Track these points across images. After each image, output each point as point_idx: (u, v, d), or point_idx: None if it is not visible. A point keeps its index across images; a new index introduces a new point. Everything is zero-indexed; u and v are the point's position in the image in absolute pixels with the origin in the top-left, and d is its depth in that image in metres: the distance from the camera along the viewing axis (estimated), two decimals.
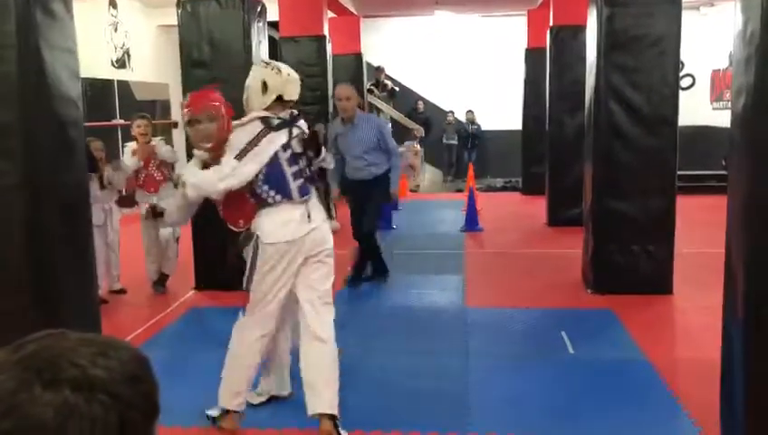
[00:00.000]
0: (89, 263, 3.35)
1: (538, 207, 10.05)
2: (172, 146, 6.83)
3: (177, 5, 6.22)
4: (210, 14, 6.14)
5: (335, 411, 3.43)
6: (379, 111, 14.07)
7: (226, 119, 3.51)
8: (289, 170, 3.47)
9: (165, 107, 12.63)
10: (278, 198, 3.46)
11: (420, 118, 15.02)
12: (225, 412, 3.60)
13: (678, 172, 5.97)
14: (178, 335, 5.35)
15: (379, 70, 14.65)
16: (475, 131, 15.42)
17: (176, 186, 3.60)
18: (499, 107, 14.96)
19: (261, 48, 6.41)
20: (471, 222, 9.20)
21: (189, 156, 3.87)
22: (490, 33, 15.28)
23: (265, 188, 3.45)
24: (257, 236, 3.47)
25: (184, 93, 5.49)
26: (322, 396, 3.43)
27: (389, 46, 15.55)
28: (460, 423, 3.71)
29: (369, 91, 13.86)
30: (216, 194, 3.47)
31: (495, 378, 4.33)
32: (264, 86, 3.52)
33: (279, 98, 3.54)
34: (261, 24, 6.43)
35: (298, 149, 3.54)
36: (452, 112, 15.63)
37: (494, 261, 7.61)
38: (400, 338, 5.15)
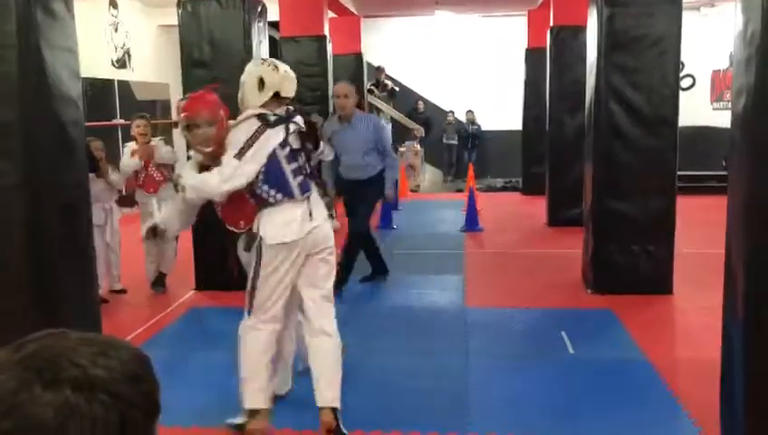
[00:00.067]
0: (89, 263, 3.35)
1: (538, 207, 10.05)
2: (172, 146, 6.83)
3: (178, 5, 6.22)
4: (211, 13, 6.14)
5: (337, 405, 3.49)
6: (379, 111, 14.07)
7: (224, 120, 3.49)
8: (288, 168, 3.44)
9: (165, 107, 12.64)
10: (279, 196, 3.42)
11: (420, 118, 15.02)
12: (252, 414, 3.49)
13: (678, 172, 5.97)
14: (178, 335, 5.35)
15: (380, 70, 14.65)
16: (475, 131, 15.43)
17: (175, 186, 3.59)
18: (499, 107, 14.97)
19: (261, 48, 6.41)
20: (471, 222, 9.20)
21: (189, 157, 3.85)
22: (490, 34, 15.28)
23: (265, 187, 3.41)
24: (260, 238, 3.44)
25: (184, 93, 5.49)
26: (325, 391, 3.50)
27: (390, 46, 15.55)
28: (460, 423, 3.71)
29: (370, 91, 13.86)
30: (219, 196, 3.45)
31: (495, 378, 4.33)
32: (261, 83, 3.47)
33: (276, 95, 3.50)
34: (261, 24, 6.43)
35: (296, 144, 3.50)
36: (452, 112, 15.63)
37: (494, 261, 7.61)
38: (400, 338, 5.14)
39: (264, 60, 3.74)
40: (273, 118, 3.43)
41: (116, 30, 11.55)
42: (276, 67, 3.55)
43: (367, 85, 13.44)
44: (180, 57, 6.29)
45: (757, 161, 2.74)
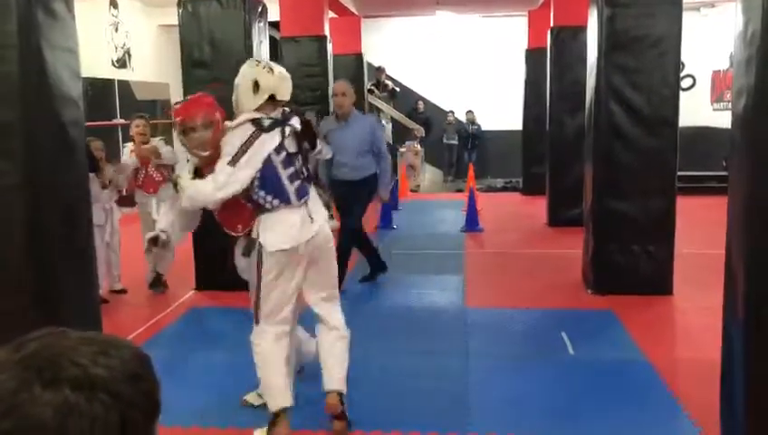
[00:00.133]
0: (89, 263, 3.35)
1: (538, 207, 10.05)
2: (172, 146, 6.82)
3: (178, 5, 6.22)
4: (211, 13, 6.14)
5: (343, 389, 3.58)
6: (379, 111, 14.07)
7: (220, 123, 3.45)
8: (285, 173, 3.39)
9: (165, 107, 12.63)
10: (276, 202, 3.39)
11: (421, 118, 15.02)
12: (276, 417, 3.44)
13: (679, 173, 5.97)
14: (178, 335, 5.35)
15: (380, 70, 14.65)
16: (475, 132, 15.43)
17: (175, 186, 3.57)
18: (499, 107, 14.97)
19: (262, 48, 6.42)
20: (471, 222, 9.20)
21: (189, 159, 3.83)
22: (491, 34, 15.29)
23: (262, 193, 3.37)
24: (259, 245, 3.41)
25: (185, 93, 5.50)
26: (333, 376, 3.58)
27: (390, 46, 15.55)
28: (460, 423, 3.71)
29: (370, 91, 13.86)
30: (213, 204, 3.42)
31: (495, 378, 4.33)
32: (256, 86, 3.41)
33: (271, 98, 3.44)
34: (262, 24, 6.43)
35: (292, 148, 3.45)
36: (452, 112, 15.64)
37: (495, 261, 7.61)
38: (400, 338, 5.14)
39: (258, 61, 3.67)
40: (267, 122, 3.37)
41: (116, 30, 11.56)
42: (271, 69, 3.49)
43: (367, 85, 13.44)
44: (180, 57, 6.29)
45: (757, 162, 2.74)
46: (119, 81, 11.34)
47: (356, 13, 12.72)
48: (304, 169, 3.51)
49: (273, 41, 8.47)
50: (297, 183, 3.43)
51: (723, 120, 11.85)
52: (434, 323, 5.48)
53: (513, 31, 14.07)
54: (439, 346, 4.92)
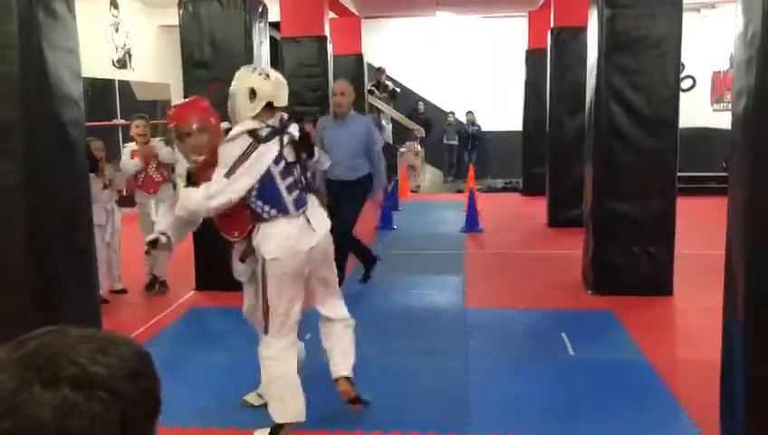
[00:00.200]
0: (89, 263, 3.35)
1: (538, 207, 10.05)
2: (172, 147, 6.81)
3: (179, 6, 6.22)
4: (211, 14, 6.14)
5: (350, 374, 3.69)
6: (379, 111, 14.07)
7: (216, 126, 3.40)
8: (283, 184, 3.35)
9: (166, 107, 12.64)
10: (273, 212, 3.36)
11: (421, 118, 15.02)
12: (280, 427, 3.44)
13: (679, 174, 5.97)
14: (178, 335, 5.36)
15: (380, 71, 14.65)
16: (475, 132, 15.43)
17: (174, 187, 3.57)
18: (499, 108, 14.96)
19: (262, 48, 6.42)
20: (471, 223, 9.20)
21: None
22: (491, 35, 15.29)
23: (259, 203, 3.35)
24: (262, 257, 3.38)
25: (185, 94, 5.49)
26: (341, 363, 3.68)
27: (390, 47, 15.55)
28: (460, 423, 3.71)
29: (370, 91, 13.86)
30: (206, 212, 3.39)
31: (495, 379, 4.33)
32: (253, 93, 3.35)
33: (269, 104, 3.38)
34: (262, 25, 6.43)
35: (291, 157, 3.41)
36: (452, 113, 15.64)
37: (495, 262, 7.61)
38: (400, 338, 5.14)
39: (254, 68, 3.60)
40: (265, 132, 3.33)
41: (117, 30, 11.56)
42: (267, 75, 3.43)
43: (368, 86, 13.44)
44: (181, 57, 6.29)
45: (757, 163, 2.74)
46: (119, 81, 11.35)
47: (356, 13, 12.73)
48: (303, 179, 3.48)
49: (273, 41, 8.47)
50: (295, 193, 3.40)
51: (723, 120, 11.85)
52: (434, 323, 5.48)
53: (513, 31, 14.07)
54: (439, 346, 4.92)
